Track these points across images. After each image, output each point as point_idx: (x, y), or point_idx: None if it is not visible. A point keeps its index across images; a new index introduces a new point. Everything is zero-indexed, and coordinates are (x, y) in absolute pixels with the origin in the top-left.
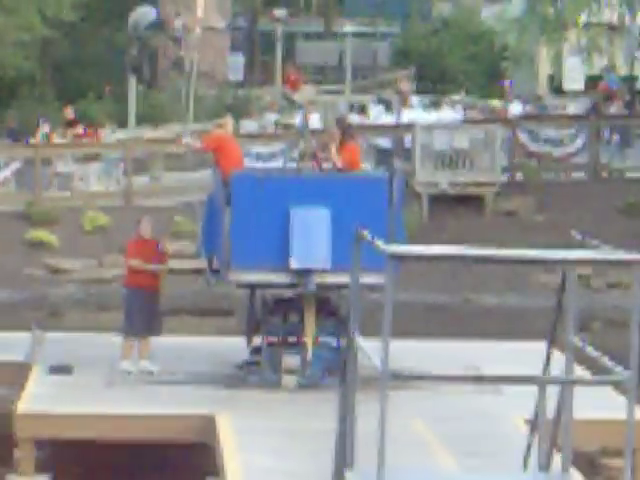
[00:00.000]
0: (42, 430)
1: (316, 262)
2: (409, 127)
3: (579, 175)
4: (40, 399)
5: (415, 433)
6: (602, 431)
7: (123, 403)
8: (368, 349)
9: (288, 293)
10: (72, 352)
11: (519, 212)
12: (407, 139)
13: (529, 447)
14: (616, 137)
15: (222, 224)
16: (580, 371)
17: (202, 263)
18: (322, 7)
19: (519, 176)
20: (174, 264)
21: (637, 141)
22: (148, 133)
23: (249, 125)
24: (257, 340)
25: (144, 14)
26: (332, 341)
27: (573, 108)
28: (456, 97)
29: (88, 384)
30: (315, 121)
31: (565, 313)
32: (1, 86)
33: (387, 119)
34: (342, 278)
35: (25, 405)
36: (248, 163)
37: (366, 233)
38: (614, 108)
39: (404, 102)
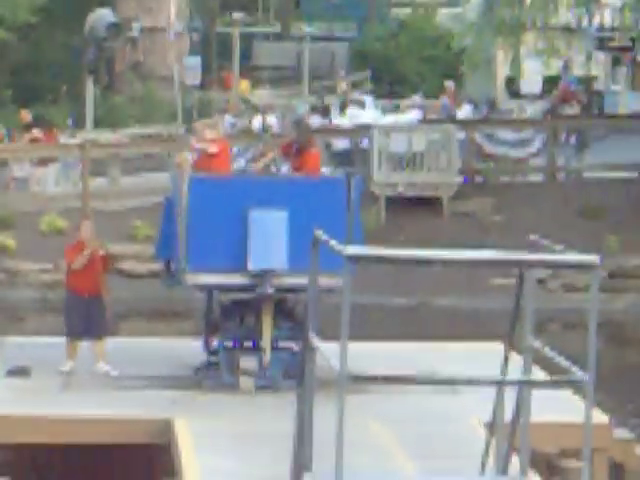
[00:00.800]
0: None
1: (274, 264)
2: (366, 129)
3: (536, 177)
4: None
5: (373, 435)
6: (560, 433)
7: (80, 406)
8: (326, 351)
9: (245, 295)
10: (30, 355)
11: (476, 213)
12: (364, 141)
13: (487, 449)
14: (572, 138)
15: (179, 226)
16: (538, 373)
17: (160, 265)
18: (280, 10)
19: (476, 178)
20: (132, 266)
21: (594, 142)
22: (105, 136)
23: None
24: (215, 342)
25: (102, 17)
26: (289, 343)
27: (531, 110)
28: (410, 101)
29: (45, 387)
30: (273, 124)
31: (523, 315)
32: None
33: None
34: (300, 280)
35: None
36: None
37: (324, 235)
38: (571, 109)
39: (344, 105)
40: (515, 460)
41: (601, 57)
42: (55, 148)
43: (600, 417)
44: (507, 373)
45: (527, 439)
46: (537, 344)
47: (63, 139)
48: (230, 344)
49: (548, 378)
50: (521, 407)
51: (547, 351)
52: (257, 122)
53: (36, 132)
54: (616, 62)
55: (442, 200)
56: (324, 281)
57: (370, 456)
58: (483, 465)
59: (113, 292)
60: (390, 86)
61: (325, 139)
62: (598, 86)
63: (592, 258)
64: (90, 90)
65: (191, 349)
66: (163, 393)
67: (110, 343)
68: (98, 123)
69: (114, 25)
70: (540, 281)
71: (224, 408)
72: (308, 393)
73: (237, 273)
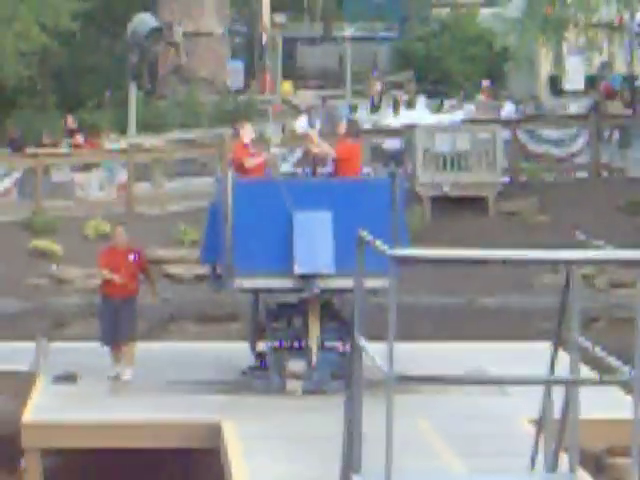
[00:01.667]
0: (48, 440)
1: (320, 267)
2: (410, 129)
3: (580, 175)
4: (45, 409)
5: (422, 435)
6: (608, 431)
7: (128, 411)
8: (373, 352)
9: (292, 298)
10: (76, 361)
11: (521, 213)
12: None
13: (536, 448)
14: (615, 136)
15: (225, 231)
16: (586, 371)
17: (206, 269)
18: (322, 12)
19: (521, 177)
20: (178, 271)
21: (637, 140)
22: (149, 141)
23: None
24: (262, 345)
25: (143, 21)
26: (337, 345)
27: (575, 108)
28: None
29: (93, 393)
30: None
31: (569, 313)
32: (1, 96)
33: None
34: (346, 282)
35: (30, 415)
36: None
37: (368, 236)
38: (615, 107)
39: (377, 104)
40: (564, 458)
41: None
42: (100, 153)
43: None
44: (555, 372)
45: (576, 437)
46: (585, 342)
47: (107, 144)
48: (277, 346)
49: (596, 375)
50: (569, 405)
51: (595, 349)
52: (300, 123)
53: (79, 138)
54: None
55: (487, 200)
56: (370, 282)
57: (419, 456)
58: (532, 463)
59: (160, 297)
60: (433, 86)
61: (375, 139)
62: None
63: (638, 255)
64: (133, 95)
65: (238, 352)
66: (211, 397)
67: (157, 347)
68: (141, 128)
69: (156, 29)
70: (586, 278)
71: (272, 411)
72: (356, 394)
73: (284, 276)
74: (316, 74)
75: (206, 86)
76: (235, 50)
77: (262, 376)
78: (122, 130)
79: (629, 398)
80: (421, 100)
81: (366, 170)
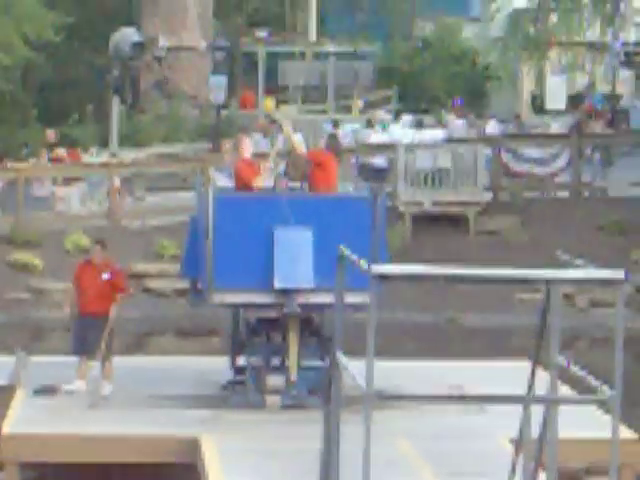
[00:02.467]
0: (27, 452)
1: (300, 282)
2: (391, 146)
3: (562, 194)
4: (24, 422)
5: (400, 453)
6: (587, 450)
7: (107, 425)
8: (352, 369)
9: (271, 313)
10: (56, 375)
11: (502, 231)
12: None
13: (514, 466)
14: (597, 155)
15: (205, 245)
16: (565, 390)
17: (186, 284)
18: (305, 28)
19: (502, 195)
20: (158, 285)
21: (619, 159)
22: (130, 155)
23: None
24: (241, 360)
25: (126, 36)
26: (316, 361)
27: (556, 127)
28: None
29: (72, 406)
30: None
31: (549, 332)
32: None
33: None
34: (325, 298)
35: (9, 428)
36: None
37: (349, 252)
38: (597, 126)
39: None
40: (542, 477)
41: (626, 73)
42: (81, 167)
43: (627, 432)
44: (534, 390)
45: (554, 456)
46: (563, 361)
47: (87, 158)
48: (256, 362)
49: (574, 394)
50: (548, 424)
51: (574, 368)
52: (280, 140)
53: (60, 151)
54: None
55: (468, 218)
56: (350, 298)
57: (397, 473)
58: None
59: (139, 311)
60: (415, 103)
61: (360, 156)
62: (623, 103)
63: (618, 274)
64: (115, 109)
65: (217, 367)
66: (190, 411)
67: (136, 361)
68: (123, 142)
69: (138, 44)
70: (567, 297)
71: (252, 425)
72: (335, 411)
73: (263, 291)
74: (298, 90)
75: (188, 101)
76: (217, 65)
77: (241, 391)
78: (104, 144)
79: (607, 417)
80: (403, 117)
81: (347, 186)
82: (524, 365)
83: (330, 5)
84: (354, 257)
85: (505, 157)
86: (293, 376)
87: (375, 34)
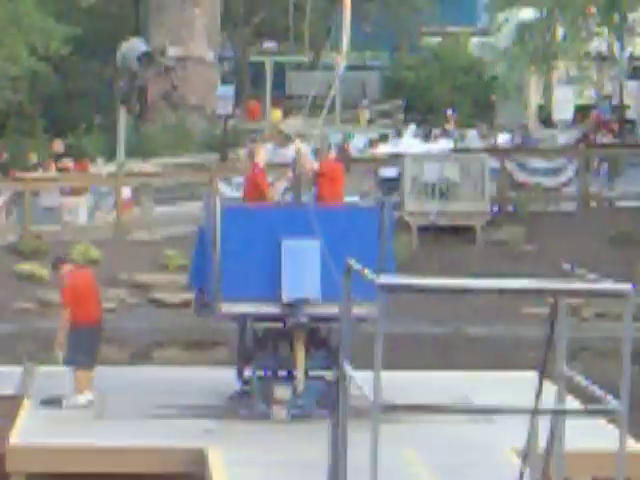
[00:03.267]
0: (34, 463)
1: (307, 293)
2: (398, 157)
3: (569, 205)
4: (31, 432)
5: (407, 464)
6: (594, 462)
7: (114, 436)
8: (359, 380)
9: (278, 325)
10: (63, 385)
11: (509, 242)
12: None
13: (521, 477)
14: (603, 166)
15: (212, 256)
16: (572, 401)
17: (193, 295)
18: (312, 39)
19: (509, 206)
20: (164, 296)
21: (626, 170)
22: (138, 165)
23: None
24: (248, 372)
25: (134, 46)
26: (323, 373)
27: (564, 138)
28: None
29: (79, 417)
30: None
31: (556, 343)
32: None
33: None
34: (333, 309)
35: (16, 439)
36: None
37: (356, 264)
38: (604, 137)
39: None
40: None
41: (633, 85)
42: (88, 178)
43: (634, 445)
44: (541, 402)
45: (561, 468)
46: (571, 373)
47: (94, 169)
48: (263, 373)
49: (582, 407)
50: (555, 436)
51: (580, 380)
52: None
53: (67, 162)
54: None
55: (475, 229)
56: (357, 310)
57: None
58: None
59: (146, 321)
60: (422, 115)
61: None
62: (630, 115)
63: (625, 286)
64: (123, 120)
65: (224, 378)
66: (197, 422)
67: (142, 372)
68: (130, 153)
69: (146, 54)
70: (573, 309)
71: (258, 437)
72: (342, 422)
73: (270, 303)
74: (305, 101)
75: (195, 111)
76: (224, 75)
77: (248, 402)
78: (111, 155)
79: (614, 429)
80: (410, 129)
81: (354, 198)
82: (531, 376)
83: (337, 16)
84: (361, 268)
85: (511, 168)
86: (300, 387)
87: (382, 45)
